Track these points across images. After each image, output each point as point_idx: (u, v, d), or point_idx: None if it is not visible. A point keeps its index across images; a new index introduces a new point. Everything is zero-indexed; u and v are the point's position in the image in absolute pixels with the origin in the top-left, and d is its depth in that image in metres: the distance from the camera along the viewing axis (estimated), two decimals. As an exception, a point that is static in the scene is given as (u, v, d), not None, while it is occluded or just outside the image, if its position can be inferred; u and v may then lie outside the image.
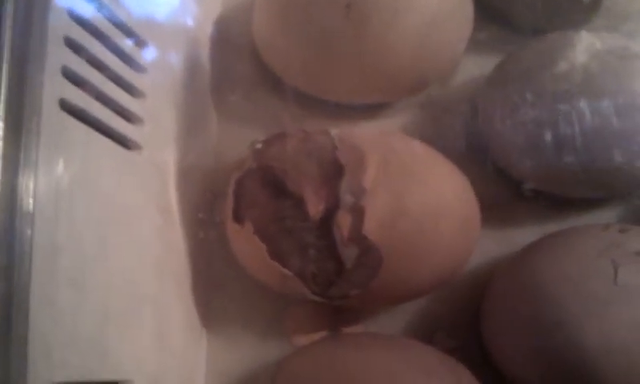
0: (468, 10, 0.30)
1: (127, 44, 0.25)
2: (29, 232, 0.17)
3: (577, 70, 0.26)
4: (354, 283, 0.24)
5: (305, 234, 0.24)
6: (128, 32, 0.25)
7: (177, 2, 0.30)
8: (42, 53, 0.18)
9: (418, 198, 0.24)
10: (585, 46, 0.27)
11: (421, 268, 0.25)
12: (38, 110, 0.18)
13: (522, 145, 0.27)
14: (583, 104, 0.26)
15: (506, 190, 0.29)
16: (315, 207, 0.24)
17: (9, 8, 0.17)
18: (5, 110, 0.17)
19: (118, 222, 0.22)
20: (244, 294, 0.29)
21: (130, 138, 0.24)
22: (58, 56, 0.19)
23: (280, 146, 0.26)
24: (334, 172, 0.24)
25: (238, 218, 0.25)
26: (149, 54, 0.26)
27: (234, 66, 0.33)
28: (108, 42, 0.23)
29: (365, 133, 0.27)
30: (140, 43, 0.26)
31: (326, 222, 0.24)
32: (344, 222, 0.24)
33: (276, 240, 0.25)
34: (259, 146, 0.26)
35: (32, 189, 0.17)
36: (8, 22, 0.17)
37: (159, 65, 0.27)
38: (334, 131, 0.25)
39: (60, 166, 0.19)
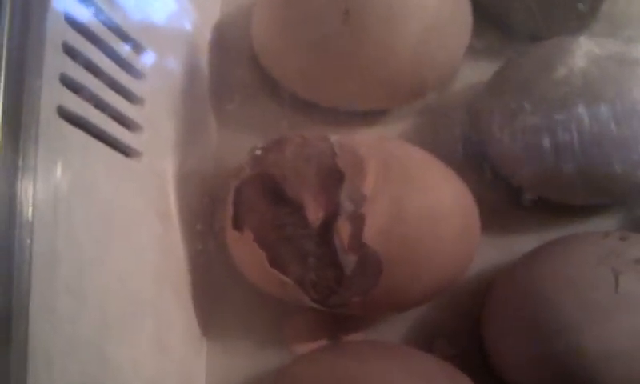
0: (467, 16, 0.30)
1: (125, 50, 0.24)
2: (28, 240, 0.17)
3: (576, 76, 0.26)
4: (354, 291, 0.24)
5: (304, 241, 0.24)
6: (126, 38, 0.25)
7: (175, 8, 0.30)
8: (40, 60, 0.18)
9: (418, 204, 0.24)
10: (584, 51, 0.27)
11: (421, 274, 0.25)
12: (36, 117, 0.18)
13: (520, 152, 0.27)
14: (582, 110, 0.26)
15: (505, 197, 0.29)
16: (315, 214, 0.24)
17: (6, 15, 0.17)
18: (2, 118, 0.17)
19: (116, 230, 0.22)
20: (244, 301, 0.29)
21: (128, 145, 0.24)
22: (55, 63, 0.19)
23: (279, 152, 0.26)
24: (333, 179, 0.24)
25: (237, 225, 0.25)
26: (147, 60, 0.26)
27: (232, 72, 0.33)
28: (106, 49, 0.23)
29: (364, 139, 0.26)
30: (138, 49, 0.26)
31: (326, 229, 0.24)
32: (344, 229, 0.24)
33: (275, 247, 0.24)
34: (258, 152, 0.26)
35: (31, 197, 0.17)
36: (5, 29, 0.17)
37: (158, 71, 0.27)
38: (334, 137, 0.25)
39: (59, 174, 0.19)
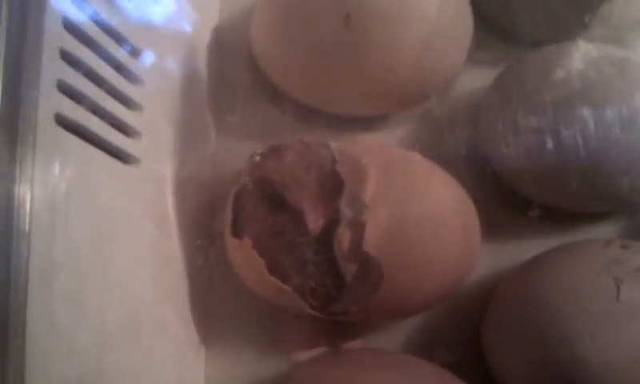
0: (467, 21, 0.29)
1: (124, 55, 0.24)
2: (25, 250, 0.17)
3: (574, 79, 0.26)
4: (354, 299, 0.24)
5: (304, 248, 0.24)
6: (124, 43, 0.24)
7: (174, 11, 0.30)
8: (37, 66, 0.18)
9: (418, 211, 0.24)
10: (581, 54, 0.27)
11: (421, 281, 0.24)
12: (33, 125, 0.18)
13: (521, 157, 0.27)
14: (582, 114, 0.26)
15: (505, 203, 0.29)
16: (314, 222, 0.24)
17: (2, 21, 0.17)
18: (0, 125, 0.16)
19: (115, 238, 0.22)
20: (243, 309, 0.29)
21: (127, 152, 0.24)
22: (53, 70, 0.19)
23: (278, 158, 0.25)
24: (333, 185, 0.24)
25: (236, 231, 0.25)
26: (146, 65, 0.26)
27: (232, 76, 0.32)
28: (104, 54, 0.23)
29: (364, 145, 0.26)
30: (137, 54, 0.25)
31: (326, 236, 0.24)
32: (344, 236, 0.23)
33: (275, 254, 0.24)
34: (257, 158, 0.26)
35: (28, 206, 0.17)
36: (3, 36, 0.17)
37: (156, 75, 0.27)
38: (334, 143, 0.25)
39: (56, 183, 0.19)
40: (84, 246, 0.20)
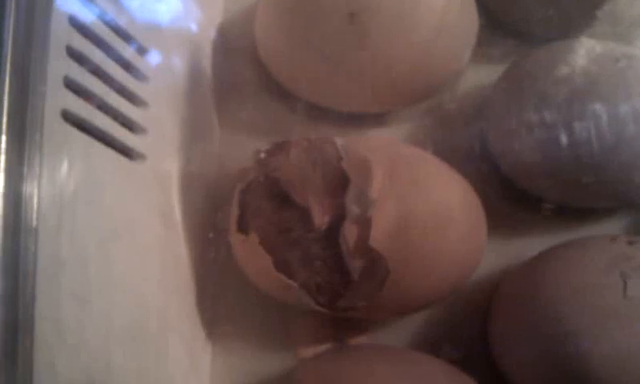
0: (473, 18, 0.29)
1: (129, 52, 0.24)
2: (33, 246, 0.17)
3: (577, 75, 0.26)
4: (360, 295, 0.24)
5: (310, 245, 0.24)
6: (130, 40, 0.24)
7: (179, 9, 0.30)
8: (44, 63, 0.18)
9: (424, 206, 0.24)
10: (585, 50, 0.27)
11: (428, 276, 0.24)
12: (40, 121, 0.18)
13: (527, 153, 0.27)
14: (588, 110, 0.25)
15: (511, 200, 0.29)
16: (321, 218, 0.24)
17: (10, 19, 0.17)
18: (7, 123, 0.16)
19: (121, 234, 0.22)
20: (249, 305, 0.29)
21: (132, 148, 0.24)
22: (59, 66, 0.19)
23: (284, 155, 0.25)
24: (339, 182, 0.24)
25: (242, 228, 0.25)
26: (151, 62, 0.26)
27: (236, 73, 0.32)
28: (110, 51, 0.23)
29: (370, 141, 0.26)
30: (142, 51, 0.25)
31: (332, 232, 0.24)
32: (350, 233, 0.23)
33: (281, 251, 0.24)
34: (263, 155, 0.26)
35: (35, 202, 0.17)
36: (10, 33, 0.17)
37: (161, 72, 0.27)
38: (340, 140, 0.25)
39: (63, 179, 0.19)
40: (90, 242, 0.20)
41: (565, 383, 0.23)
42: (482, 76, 0.31)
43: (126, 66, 0.24)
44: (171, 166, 0.27)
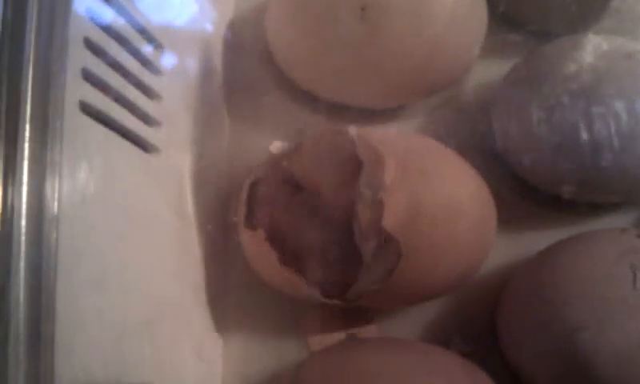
0: (482, 12, 0.30)
1: (144, 46, 0.24)
2: (54, 235, 0.17)
3: (585, 71, 0.26)
4: (373, 278, 0.24)
5: (322, 233, 0.24)
6: (145, 35, 0.25)
7: (192, 5, 0.30)
8: (64, 55, 0.18)
9: (435, 197, 0.24)
10: (592, 46, 0.27)
11: (437, 266, 0.25)
12: (60, 112, 0.18)
13: (536, 147, 0.27)
14: (594, 107, 0.26)
15: (520, 193, 0.29)
16: (333, 206, 0.24)
17: (33, 12, 0.17)
18: (30, 113, 0.17)
19: (137, 225, 0.22)
20: (260, 298, 0.29)
21: (147, 141, 0.24)
22: (77, 58, 0.19)
23: (296, 147, 0.26)
24: (352, 169, 0.24)
25: (251, 223, 0.25)
26: (164, 57, 0.26)
27: (246, 69, 0.33)
28: (126, 44, 0.23)
29: (382, 133, 0.26)
30: (156, 46, 0.26)
31: (344, 219, 0.24)
32: (363, 215, 0.23)
33: (292, 241, 0.24)
34: (276, 149, 0.26)
35: (57, 191, 0.17)
36: (33, 26, 0.17)
37: (174, 67, 0.27)
38: (352, 130, 0.25)
39: (81, 169, 0.19)
40: (107, 233, 0.20)
41: (575, 375, 0.23)
42: (489, 69, 0.31)
43: (141, 59, 0.24)
44: (184, 159, 0.27)
